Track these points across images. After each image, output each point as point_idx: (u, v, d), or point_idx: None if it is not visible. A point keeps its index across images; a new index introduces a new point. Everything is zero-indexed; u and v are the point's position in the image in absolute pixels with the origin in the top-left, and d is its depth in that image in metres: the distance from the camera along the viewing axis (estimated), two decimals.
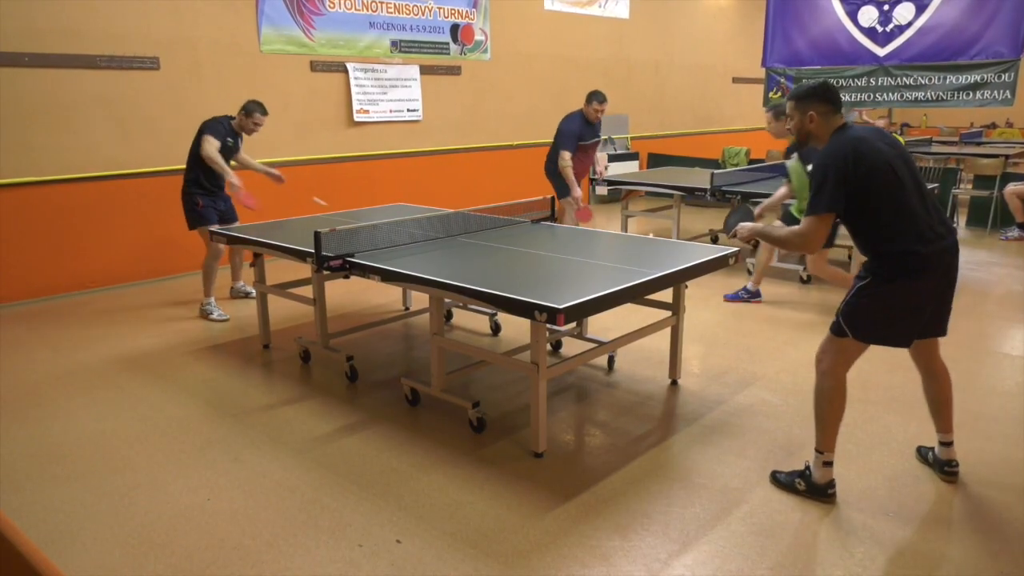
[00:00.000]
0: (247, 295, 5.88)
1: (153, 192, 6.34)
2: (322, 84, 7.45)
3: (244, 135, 5.63)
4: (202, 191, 5.40)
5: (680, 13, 11.75)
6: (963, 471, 3.07)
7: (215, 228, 4.94)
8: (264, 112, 5.46)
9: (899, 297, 2.70)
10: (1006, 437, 3.41)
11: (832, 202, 2.64)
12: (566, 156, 6.35)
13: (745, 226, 3.15)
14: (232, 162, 5.65)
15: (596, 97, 6.37)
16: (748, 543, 2.62)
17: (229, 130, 5.46)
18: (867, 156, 2.63)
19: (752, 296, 5.70)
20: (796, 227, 2.80)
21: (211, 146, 5.26)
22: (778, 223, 4.94)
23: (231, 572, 2.50)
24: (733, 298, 5.72)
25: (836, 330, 2.80)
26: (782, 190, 5.53)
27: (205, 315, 5.42)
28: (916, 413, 3.64)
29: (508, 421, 3.63)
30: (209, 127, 5.35)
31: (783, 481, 2.98)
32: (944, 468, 3.04)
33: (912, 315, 2.75)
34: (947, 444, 3.05)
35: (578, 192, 6.45)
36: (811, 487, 2.89)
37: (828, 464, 2.86)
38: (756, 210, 5.75)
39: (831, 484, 2.87)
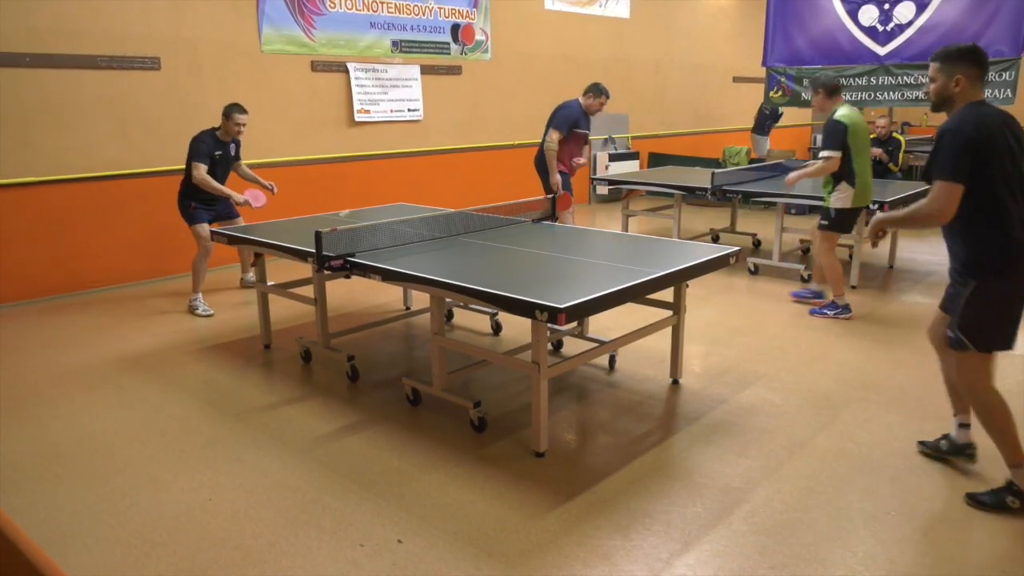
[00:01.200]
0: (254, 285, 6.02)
1: (153, 192, 6.34)
2: (323, 84, 7.45)
3: (239, 141, 5.69)
4: (195, 201, 5.50)
5: (680, 12, 11.74)
6: (964, 469, 3.07)
7: (214, 228, 4.96)
8: (242, 111, 5.48)
9: (1011, 292, 2.64)
10: None
11: (957, 169, 2.57)
12: (555, 136, 6.27)
13: (874, 221, 2.95)
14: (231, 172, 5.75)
15: (604, 92, 6.28)
16: (750, 542, 2.62)
17: (215, 143, 5.48)
18: (994, 131, 2.60)
19: (841, 311, 5.19)
20: (924, 199, 2.68)
21: (200, 172, 5.36)
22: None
23: (233, 572, 2.50)
24: (818, 313, 5.27)
25: (957, 345, 2.73)
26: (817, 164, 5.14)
27: (192, 310, 5.55)
28: (918, 413, 3.64)
29: (509, 421, 3.63)
30: (195, 149, 5.40)
31: (990, 503, 2.79)
32: (966, 451, 3.04)
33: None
34: (966, 426, 3.05)
35: (557, 178, 6.35)
36: None
37: None
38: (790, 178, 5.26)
39: None
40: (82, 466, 3.23)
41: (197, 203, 5.50)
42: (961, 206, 2.61)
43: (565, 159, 6.50)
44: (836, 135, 4.97)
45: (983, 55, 2.70)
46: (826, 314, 5.23)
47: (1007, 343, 2.70)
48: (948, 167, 2.58)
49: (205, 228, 5.46)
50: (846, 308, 5.21)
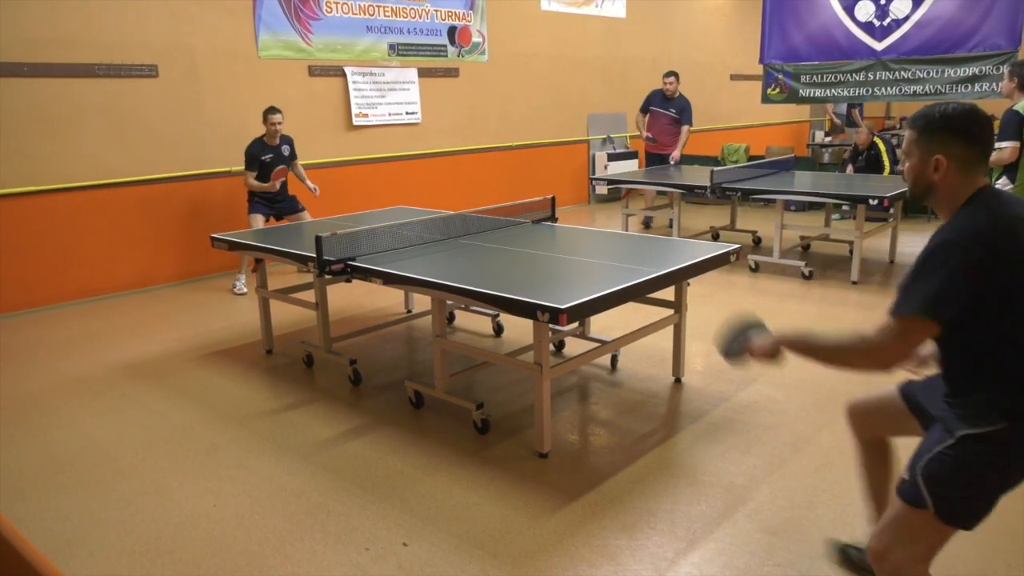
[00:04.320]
0: None
1: (153, 200, 6.34)
2: (320, 88, 7.46)
3: (291, 140, 6.24)
4: (257, 196, 6.13)
5: (677, 11, 11.74)
6: None
7: (220, 234, 4.98)
8: (274, 111, 6.03)
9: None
10: None
11: (936, 302, 1.68)
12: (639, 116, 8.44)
13: (762, 341, 2.04)
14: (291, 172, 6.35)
15: (668, 73, 8.27)
16: (754, 540, 2.62)
17: (262, 148, 6.01)
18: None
19: None
20: (864, 332, 1.77)
21: (247, 178, 6.01)
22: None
23: None
24: None
25: (910, 496, 1.92)
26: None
27: (232, 287, 6.19)
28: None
29: (512, 422, 3.63)
30: (245, 159, 6.00)
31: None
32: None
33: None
34: None
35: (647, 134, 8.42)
36: None
37: None
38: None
39: None
40: (86, 474, 3.23)
41: (258, 198, 6.14)
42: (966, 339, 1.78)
43: (655, 134, 8.46)
44: (1010, 125, 4.67)
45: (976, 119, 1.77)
46: None
47: (975, 519, 1.86)
48: (914, 300, 1.72)
49: (256, 220, 6.04)
50: None
